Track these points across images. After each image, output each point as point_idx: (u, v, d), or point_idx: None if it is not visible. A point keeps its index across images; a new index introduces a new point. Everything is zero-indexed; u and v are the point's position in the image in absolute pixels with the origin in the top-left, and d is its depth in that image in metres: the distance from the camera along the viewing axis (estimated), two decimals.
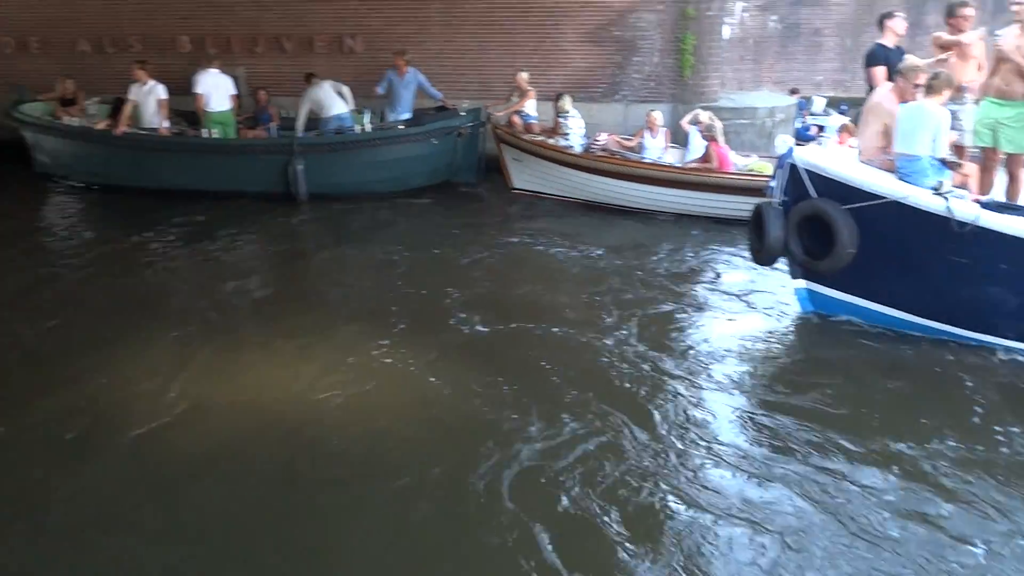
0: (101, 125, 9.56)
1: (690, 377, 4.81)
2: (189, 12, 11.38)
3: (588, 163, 8.50)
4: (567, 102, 9.01)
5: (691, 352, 5.19)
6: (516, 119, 9.30)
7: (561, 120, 8.96)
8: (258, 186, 9.09)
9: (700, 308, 6.02)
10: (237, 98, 9.76)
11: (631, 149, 8.82)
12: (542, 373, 4.89)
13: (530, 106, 9.41)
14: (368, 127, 9.29)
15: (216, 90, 9.40)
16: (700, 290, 6.42)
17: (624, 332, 5.48)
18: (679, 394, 4.59)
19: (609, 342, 5.32)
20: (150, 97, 9.34)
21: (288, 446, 4.06)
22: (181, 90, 9.54)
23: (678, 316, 5.85)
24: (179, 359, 5.11)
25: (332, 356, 5.13)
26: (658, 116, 8.85)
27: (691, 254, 7.27)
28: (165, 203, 8.96)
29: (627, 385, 4.71)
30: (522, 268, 7.16)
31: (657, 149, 8.72)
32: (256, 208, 8.79)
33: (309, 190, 8.97)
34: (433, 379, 4.81)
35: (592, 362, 5.05)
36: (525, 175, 9.04)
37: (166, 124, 9.40)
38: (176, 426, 4.27)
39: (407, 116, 9.70)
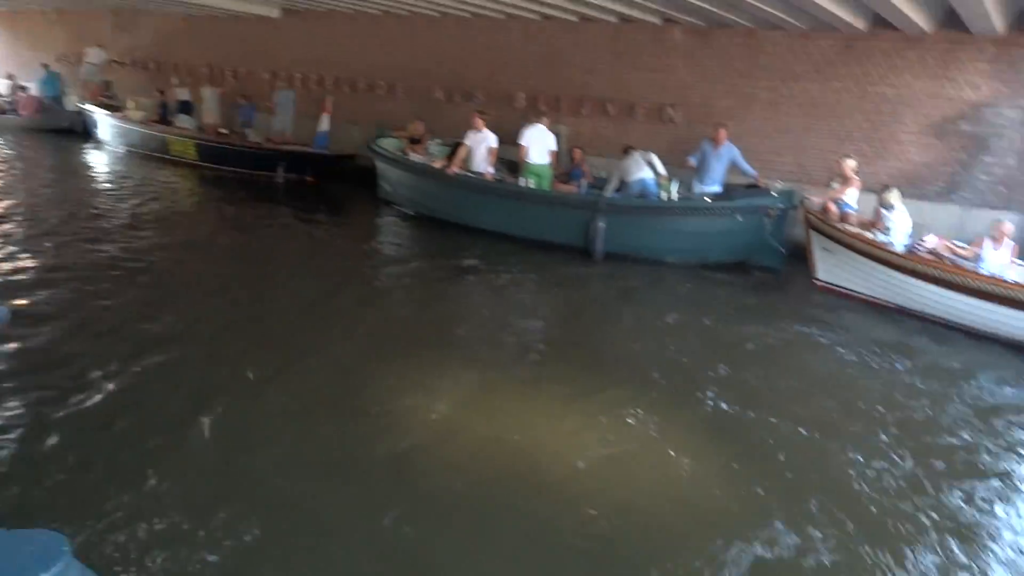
0: (437, 164, 10.72)
1: (977, 536, 4.05)
2: (528, 73, 12.43)
3: (910, 265, 7.69)
4: (894, 196, 8.26)
5: (987, 506, 4.38)
6: (832, 207, 8.73)
7: (884, 214, 8.24)
8: (560, 238, 9.55)
9: (1014, 456, 5.08)
10: (556, 154, 10.40)
11: (965, 258, 7.82)
12: (789, 474, 4.55)
13: (851, 195, 8.78)
14: (674, 196, 9.34)
15: (538, 144, 10.12)
16: (1019, 435, 5.43)
17: (899, 458, 4.84)
18: (956, 553, 3.88)
19: (879, 464, 4.74)
20: (482, 144, 10.32)
21: (524, 495, 4.13)
22: (510, 140, 10.40)
23: (979, 458, 5.00)
24: (453, 381, 5.53)
25: (586, 410, 5.22)
26: (1008, 227, 7.75)
27: (1018, 390, 6.21)
28: (476, 240, 9.80)
29: (887, 518, 4.13)
30: (801, 360, 6.70)
31: (999, 263, 7.63)
32: (554, 257, 9.25)
33: (606, 248, 9.23)
34: (674, 452, 4.71)
35: (849, 479, 4.54)
36: (832, 267, 8.43)
37: (491, 170, 10.29)
38: (433, 445, 4.59)
39: (716, 189, 9.58)
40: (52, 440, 4.31)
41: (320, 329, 6.51)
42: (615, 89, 11.63)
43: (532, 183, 10.04)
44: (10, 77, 20.82)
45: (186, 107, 16.21)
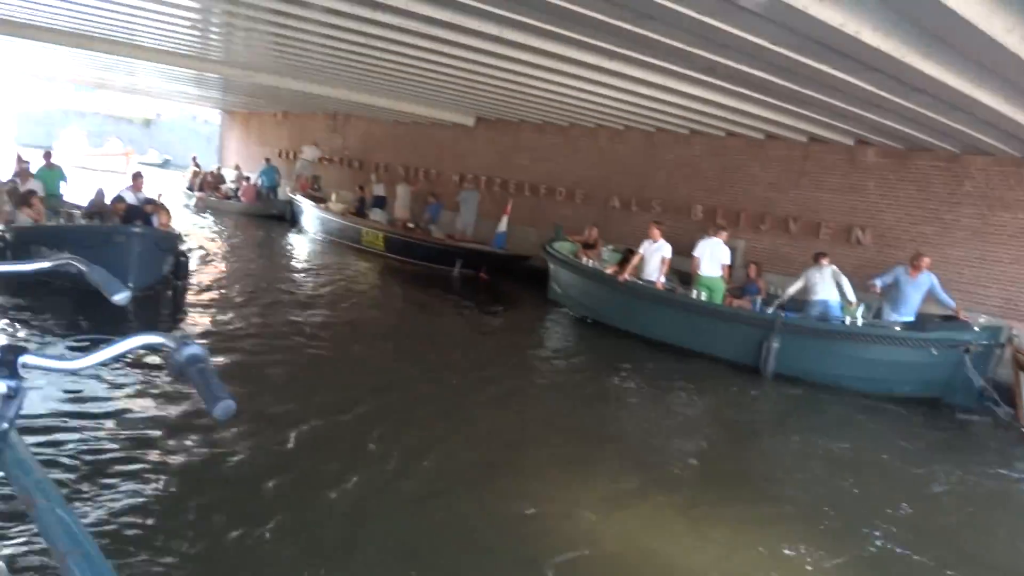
0: (609, 270, 10.80)
1: None
2: (708, 186, 12.40)
3: None
4: None
5: None
6: None
7: None
8: (728, 354, 9.19)
9: None
10: (730, 268, 10.16)
11: None
12: None
13: None
14: (859, 320, 8.76)
15: (711, 256, 9.94)
16: None
17: None
18: None
19: None
20: (656, 254, 10.29)
21: None
22: (684, 252, 10.30)
23: None
24: (604, 490, 5.31)
25: (744, 537, 4.85)
26: None
27: None
28: (641, 348, 9.63)
29: None
30: (995, 510, 5.95)
31: None
32: (720, 374, 8.88)
33: (777, 369, 8.74)
34: None
35: None
36: None
37: (662, 280, 10.20)
38: (582, 557, 4.35)
39: (909, 318, 8.88)
40: (202, 499, 4.52)
41: (473, 418, 6.55)
42: (799, 207, 11.30)
43: (704, 295, 9.82)
44: (237, 168, 23.70)
45: (380, 202, 17.58)
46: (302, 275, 13.25)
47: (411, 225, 16.18)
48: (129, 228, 9.25)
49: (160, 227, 10.05)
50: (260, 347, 7.99)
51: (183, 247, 10.74)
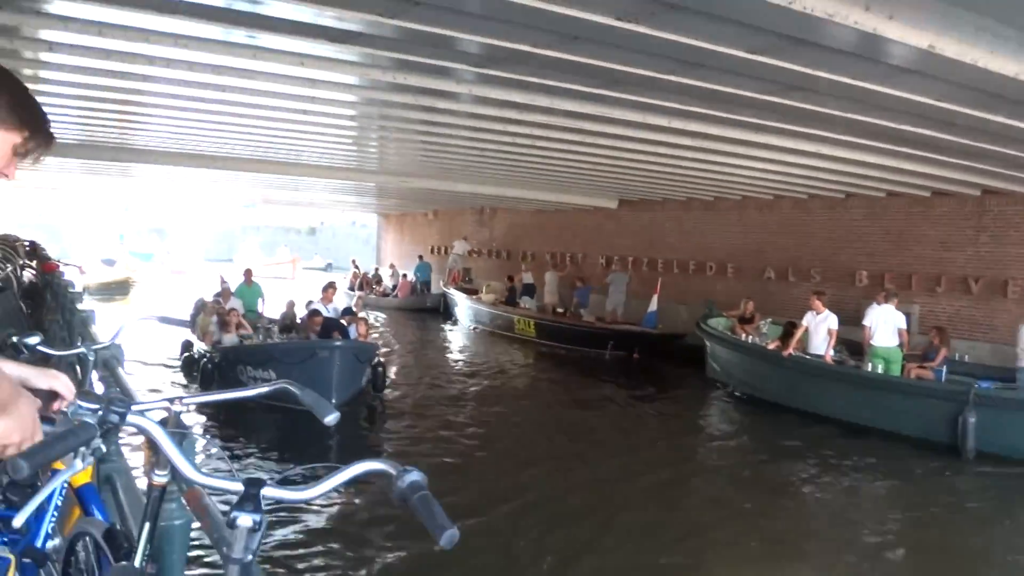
0: (771, 345, 10.31)
1: None
2: (871, 250, 11.70)
3: None
4: None
5: None
6: None
7: None
8: (915, 430, 8.42)
9: None
10: (907, 335, 9.42)
11: None
12: None
13: None
14: None
15: (884, 325, 9.26)
16: None
17: None
18: None
19: None
20: (822, 325, 9.73)
21: None
22: (851, 321, 9.69)
23: None
24: None
25: None
26: None
27: None
28: (813, 426, 9.03)
29: None
30: None
31: None
32: (906, 453, 8.14)
33: (979, 447, 7.87)
34: None
35: None
36: None
37: (831, 352, 9.60)
38: None
39: None
40: None
41: (637, 511, 6.29)
42: (979, 264, 10.40)
43: (879, 367, 9.12)
44: (392, 267, 25.09)
45: (529, 290, 17.89)
46: (461, 366, 13.60)
47: (560, 310, 16.31)
48: (331, 343, 9.14)
49: (359, 338, 10.01)
50: (419, 441, 8.20)
51: (379, 355, 10.51)
